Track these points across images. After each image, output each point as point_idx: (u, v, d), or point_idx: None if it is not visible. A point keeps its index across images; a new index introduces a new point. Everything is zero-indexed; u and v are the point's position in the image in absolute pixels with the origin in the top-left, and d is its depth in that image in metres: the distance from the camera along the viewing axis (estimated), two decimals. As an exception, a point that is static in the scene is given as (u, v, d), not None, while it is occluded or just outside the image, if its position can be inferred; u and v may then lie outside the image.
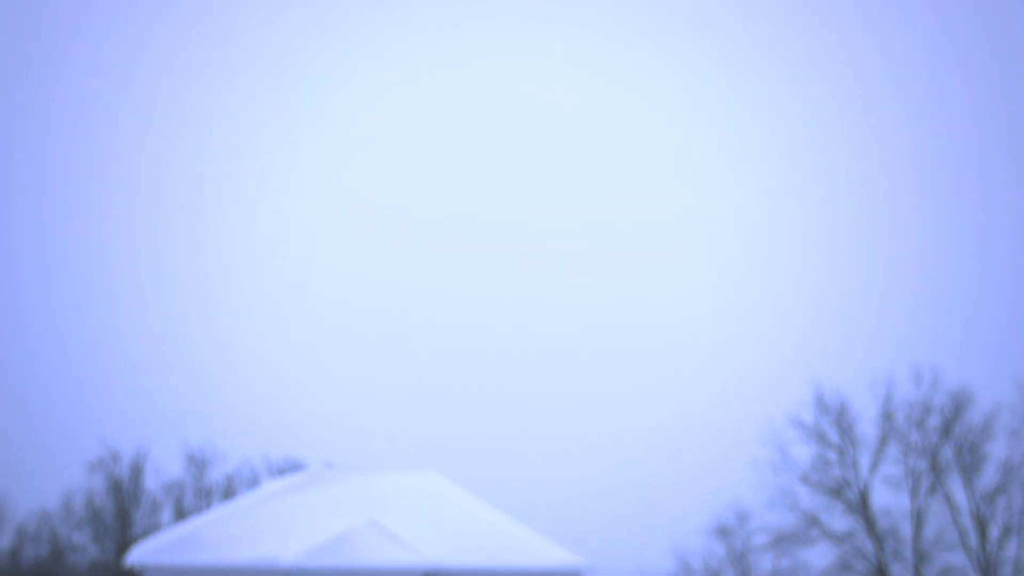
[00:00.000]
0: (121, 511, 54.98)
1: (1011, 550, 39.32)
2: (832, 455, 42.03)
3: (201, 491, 56.17)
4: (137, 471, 55.44)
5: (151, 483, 55.68)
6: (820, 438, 42.03)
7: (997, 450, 40.32)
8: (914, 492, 40.95)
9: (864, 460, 41.75)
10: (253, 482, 55.15)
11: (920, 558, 40.17)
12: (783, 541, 41.94)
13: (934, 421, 41.12)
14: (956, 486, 40.53)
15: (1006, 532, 39.59)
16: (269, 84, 75.32)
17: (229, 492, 55.68)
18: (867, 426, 41.71)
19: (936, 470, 40.87)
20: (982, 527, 39.81)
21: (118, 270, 68.08)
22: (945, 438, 40.91)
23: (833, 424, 42.09)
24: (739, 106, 67.54)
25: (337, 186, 72.07)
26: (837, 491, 41.59)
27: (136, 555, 22.71)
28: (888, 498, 41.03)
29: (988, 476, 40.26)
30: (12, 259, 65.97)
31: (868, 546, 40.83)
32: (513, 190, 68.87)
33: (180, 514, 54.78)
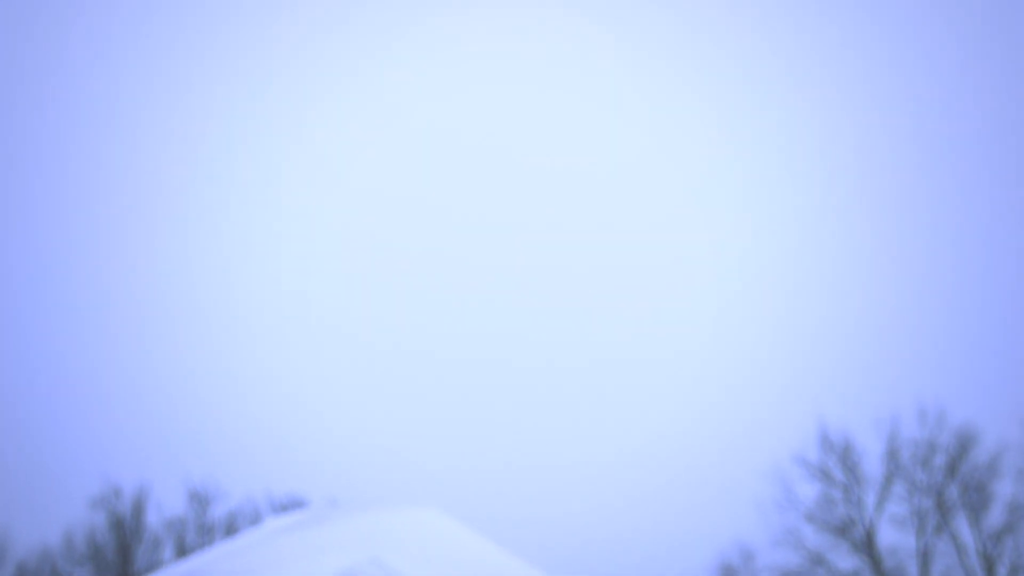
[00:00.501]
0: (123, 548, 54.74)
1: (1019, 590, 39.06)
2: (837, 493, 41.85)
3: (203, 528, 55.95)
4: (139, 507, 55.25)
5: (153, 519, 55.48)
6: (825, 476, 41.89)
7: (1004, 489, 40.19)
8: (920, 531, 40.73)
9: (870, 498, 41.60)
10: (256, 519, 54.92)
11: (927, 598, 39.88)
12: (789, 580, 41.68)
13: (939, 459, 41.00)
14: (963, 525, 40.34)
15: (1013, 572, 39.30)
16: (266, 118, 75.71)
17: (231, 529, 55.45)
18: (873, 464, 41.63)
19: (942, 509, 40.65)
20: (989, 567, 39.54)
21: (118, 303, 68.19)
22: (951, 477, 40.76)
23: (838, 462, 41.96)
24: (741, 138, 67.80)
25: (335, 215, 72.31)
26: (843, 530, 41.37)
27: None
28: (894, 537, 40.85)
29: (995, 515, 40.07)
30: (10, 291, 66.14)
31: (874, 586, 40.56)
32: (513, 226, 69.04)
33: (182, 551, 54.52)
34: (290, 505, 52.54)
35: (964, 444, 40.89)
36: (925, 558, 40.15)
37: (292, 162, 74.98)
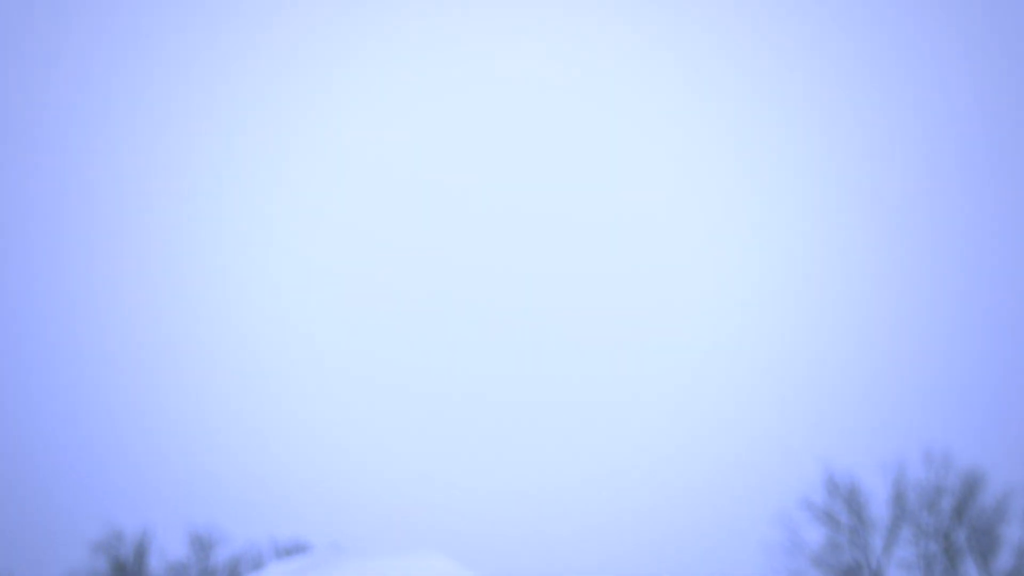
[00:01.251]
0: (124, 593, 54.41)
1: (1028, 636, 38.69)
2: (843, 538, 41.60)
3: (206, 573, 55.64)
4: (141, 552, 54.98)
5: (155, 564, 55.17)
6: (831, 520, 41.67)
7: (1012, 533, 39.96)
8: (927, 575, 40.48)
9: (876, 542, 41.33)
10: (258, 564, 54.59)
11: (935, 644, 39.52)
12: (796, 625, 41.38)
13: (946, 503, 40.80)
14: (971, 570, 40.04)
15: (1023, 617, 38.98)
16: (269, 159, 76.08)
17: (234, 574, 55.14)
18: (879, 507, 41.43)
19: (950, 553, 40.37)
20: (998, 612, 39.25)
21: (121, 347, 68.18)
22: (958, 520, 40.54)
23: (844, 506, 41.75)
24: (743, 170, 67.91)
25: (334, 251, 72.39)
26: (849, 574, 41.09)
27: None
28: (902, 582, 40.55)
29: (1004, 559, 39.81)
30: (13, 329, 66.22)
31: (882, 631, 40.22)
32: (514, 272, 69.11)
33: (184, 597, 54.18)
34: (293, 550, 52.24)
35: (971, 487, 40.69)
36: (933, 603, 39.90)
37: (290, 187, 74.97)
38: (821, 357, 54.04)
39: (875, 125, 69.53)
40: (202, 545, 55.74)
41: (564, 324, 65.12)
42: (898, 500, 41.24)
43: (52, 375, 68.09)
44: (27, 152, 76.32)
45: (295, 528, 54.49)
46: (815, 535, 41.92)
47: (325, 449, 60.74)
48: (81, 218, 76.02)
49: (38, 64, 78.86)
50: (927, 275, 59.24)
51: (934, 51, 67.95)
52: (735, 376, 56.05)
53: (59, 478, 59.96)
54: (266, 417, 63.55)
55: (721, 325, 59.51)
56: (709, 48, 72.34)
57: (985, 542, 40.13)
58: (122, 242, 74.19)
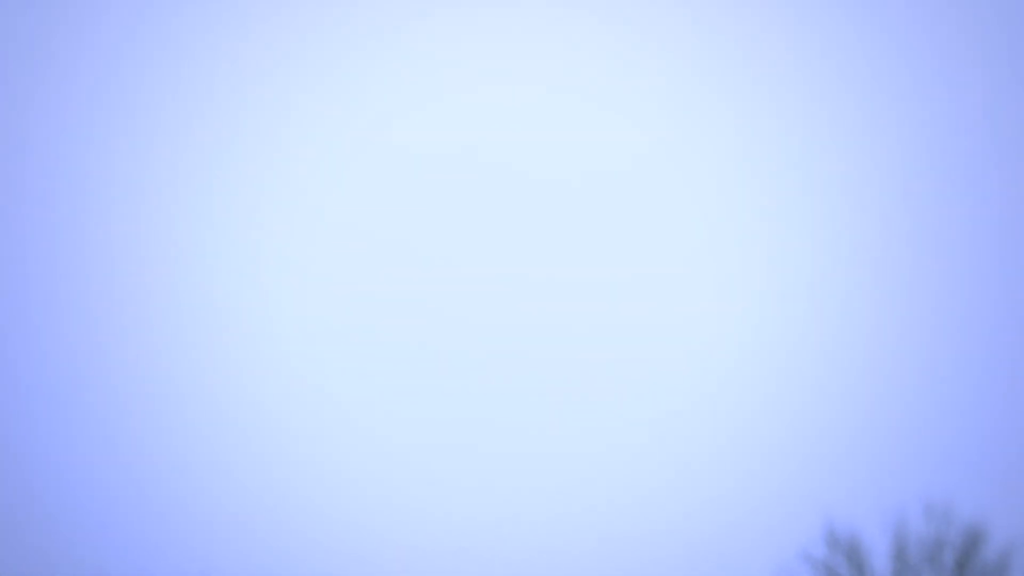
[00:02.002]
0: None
1: None
2: (844, 593, 41.44)
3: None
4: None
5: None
6: (831, 574, 41.50)
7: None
8: (930, 632, 40.24)
9: (878, 598, 41.15)
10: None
11: None
12: None
13: (948, 557, 40.65)
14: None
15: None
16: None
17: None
18: (880, 560, 41.23)
19: (951, 608, 40.16)
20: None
21: (111, 394, 68.11)
22: (960, 575, 40.38)
23: (845, 559, 41.59)
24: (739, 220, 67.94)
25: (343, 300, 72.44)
26: (850, 629, 40.89)
27: None
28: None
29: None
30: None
31: None
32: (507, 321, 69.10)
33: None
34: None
35: (972, 541, 40.55)
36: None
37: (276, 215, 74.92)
38: (821, 407, 53.93)
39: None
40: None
41: (547, 345, 64.90)
42: (899, 554, 41.05)
43: (52, 418, 67.94)
44: (25, 151, 76.31)
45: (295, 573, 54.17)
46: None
47: (328, 488, 60.40)
48: (80, 218, 75.85)
49: (38, 64, 78.93)
50: (928, 324, 59.17)
51: (937, 51, 67.83)
52: (732, 424, 55.89)
53: (47, 520, 59.68)
54: (263, 460, 63.31)
55: (717, 366, 59.34)
56: (709, 48, 72.28)
57: (988, 598, 39.95)
58: (122, 242, 73.81)
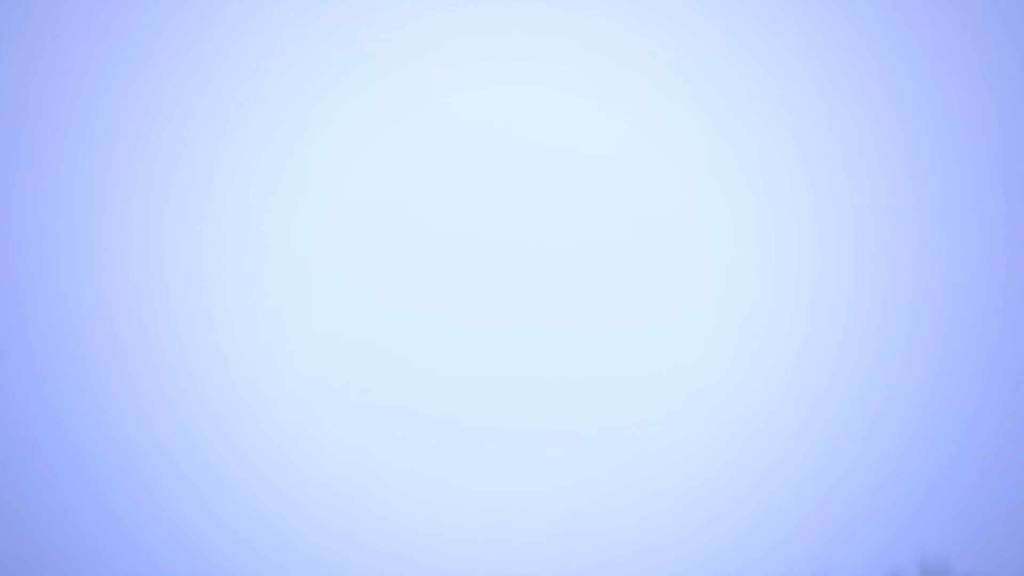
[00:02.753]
0: None
1: None
2: (840, 652, 41.35)
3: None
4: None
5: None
6: (827, 633, 41.42)
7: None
8: None
9: (874, 657, 41.08)
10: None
11: None
12: None
13: (943, 616, 40.56)
14: None
15: None
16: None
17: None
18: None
19: (947, 668, 40.11)
20: None
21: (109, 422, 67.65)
22: (955, 634, 40.30)
23: (840, 617, 41.54)
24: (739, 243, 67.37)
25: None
26: None
27: None
28: None
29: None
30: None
31: None
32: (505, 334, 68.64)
33: None
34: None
35: (968, 600, 40.47)
36: None
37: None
38: (816, 465, 53.62)
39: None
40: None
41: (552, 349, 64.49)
42: (894, 612, 41.02)
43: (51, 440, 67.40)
44: (26, 151, 75.71)
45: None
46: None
47: (330, 515, 60.20)
48: (79, 219, 75.12)
49: (38, 64, 78.29)
50: (923, 385, 58.91)
51: (939, 50, 67.44)
52: (725, 486, 55.66)
53: (41, 545, 59.38)
54: (264, 486, 63.07)
55: (712, 418, 59.09)
56: (709, 48, 71.74)
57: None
58: (122, 242, 73.17)
